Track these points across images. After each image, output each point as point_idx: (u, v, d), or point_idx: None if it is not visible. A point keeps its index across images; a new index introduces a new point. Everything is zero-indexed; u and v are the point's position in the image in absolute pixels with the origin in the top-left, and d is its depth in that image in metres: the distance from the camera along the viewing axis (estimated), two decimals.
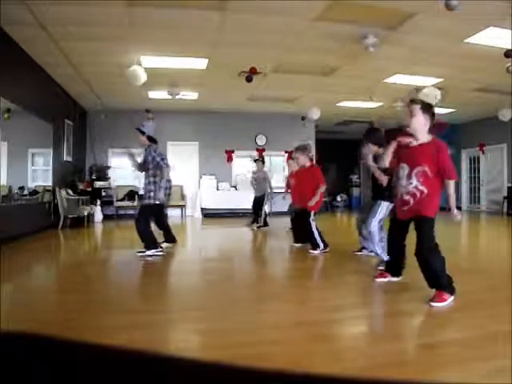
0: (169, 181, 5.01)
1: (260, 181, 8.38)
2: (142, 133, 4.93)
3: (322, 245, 5.10)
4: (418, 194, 2.89)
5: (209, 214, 11.29)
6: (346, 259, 4.68)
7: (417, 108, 2.89)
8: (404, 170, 2.97)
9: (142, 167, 4.95)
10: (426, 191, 2.86)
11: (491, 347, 2.03)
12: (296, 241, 5.79)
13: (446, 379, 1.71)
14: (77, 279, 3.80)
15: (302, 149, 5.50)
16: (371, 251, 4.43)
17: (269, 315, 2.64)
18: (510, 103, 9.41)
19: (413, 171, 2.90)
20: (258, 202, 8.43)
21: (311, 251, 5.12)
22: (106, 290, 3.43)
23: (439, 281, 2.81)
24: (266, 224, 8.37)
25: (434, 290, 2.84)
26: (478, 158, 13.02)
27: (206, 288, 3.57)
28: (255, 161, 8.69)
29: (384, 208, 4.00)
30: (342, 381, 0.35)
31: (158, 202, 4.83)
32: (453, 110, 10.62)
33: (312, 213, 5.23)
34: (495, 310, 2.62)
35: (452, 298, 2.79)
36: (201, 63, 7.25)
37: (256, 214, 8.49)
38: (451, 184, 2.88)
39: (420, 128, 2.89)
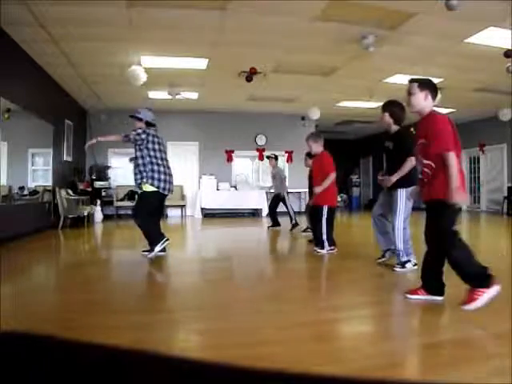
0: (157, 164, 4.42)
1: (273, 178, 8.11)
2: (139, 119, 4.52)
3: (327, 245, 4.91)
4: (428, 170, 2.70)
5: (209, 214, 11.29)
6: (347, 259, 4.68)
7: (414, 86, 2.78)
8: (415, 151, 2.88)
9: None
10: (433, 165, 2.67)
11: (491, 347, 2.03)
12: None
13: (446, 379, 1.71)
14: (77, 279, 3.79)
15: (313, 136, 5.25)
16: (392, 251, 4.08)
17: (269, 315, 2.64)
18: (510, 103, 9.41)
19: (417, 147, 2.82)
20: (275, 201, 8.10)
21: (318, 250, 4.97)
22: (107, 290, 3.43)
23: (464, 272, 2.56)
24: (277, 224, 8.02)
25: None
26: (478, 158, 13.02)
27: (206, 288, 3.57)
28: (267, 157, 8.39)
29: (403, 196, 3.74)
30: (342, 381, 0.35)
31: (150, 187, 4.35)
32: (453, 110, 10.62)
33: (325, 209, 4.92)
34: (495, 310, 2.62)
35: (491, 291, 2.46)
36: (201, 63, 7.25)
37: (272, 214, 8.13)
38: (449, 158, 2.57)
39: (420, 105, 2.77)
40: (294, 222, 7.79)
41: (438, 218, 2.68)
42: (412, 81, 2.85)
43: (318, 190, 4.95)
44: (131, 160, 4.68)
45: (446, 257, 2.64)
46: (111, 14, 5.13)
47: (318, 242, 5.06)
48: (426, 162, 2.72)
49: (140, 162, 4.42)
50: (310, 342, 2.18)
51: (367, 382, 0.36)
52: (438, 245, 2.69)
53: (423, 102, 2.77)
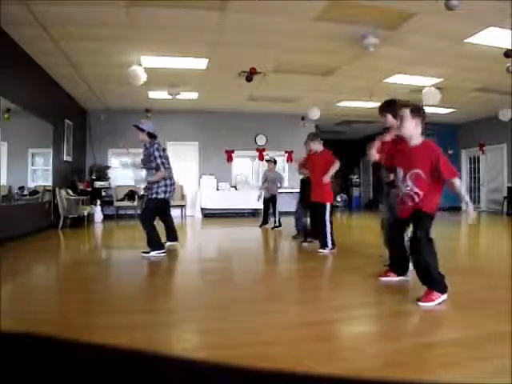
0: (169, 178, 4.85)
1: (271, 182, 8.23)
2: (142, 130, 4.82)
3: (330, 245, 5.02)
4: (416, 197, 2.89)
5: (209, 214, 11.29)
6: (347, 259, 4.68)
7: (406, 112, 2.90)
8: (399, 173, 3.01)
9: (144, 164, 4.89)
10: (421, 194, 2.85)
11: (491, 347, 2.03)
12: (304, 240, 5.74)
13: (446, 379, 1.71)
14: (77, 279, 3.80)
15: (312, 136, 5.44)
16: None
17: (269, 315, 2.64)
18: (510, 103, 9.41)
19: (407, 174, 2.92)
20: (268, 203, 8.35)
21: (320, 250, 5.03)
22: (106, 290, 3.43)
23: (430, 276, 2.80)
24: (279, 224, 8.16)
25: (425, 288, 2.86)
26: (478, 158, 13.02)
27: (206, 288, 3.57)
28: (267, 161, 8.51)
29: None
30: (342, 381, 0.35)
31: (160, 197, 4.74)
32: (453, 110, 10.62)
33: (328, 206, 5.06)
34: (495, 310, 2.62)
35: (443, 297, 2.77)
36: (201, 63, 7.25)
37: (266, 214, 8.41)
38: (457, 182, 2.81)
39: (411, 132, 2.90)
40: (277, 224, 8.10)
41: (422, 226, 2.85)
42: (403, 105, 3.00)
43: (326, 179, 5.03)
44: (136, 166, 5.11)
45: (420, 261, 2.85)
46: (111, 13, 5.13)
47: (321, 241, 5.12)
48: (416, 190, 2.87)
49: (151, 173, 4.78)
50: (310, 341, 2.18)
51: (367, 382, 0.36)
52: (416, 250, 2.87)
53: (413, 129, 2.90)
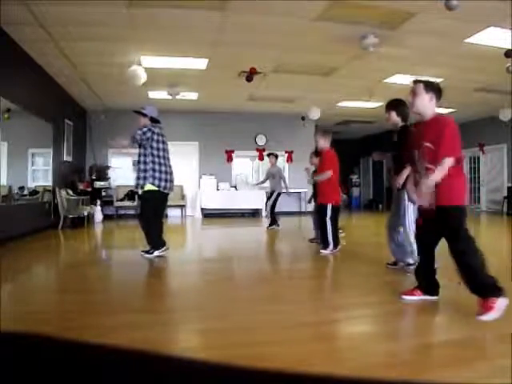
0: (159, 163, 4.33)
1: (271, 177, 8.04)
2: (144, 115, 4.44)
3: (332, 245, 4.87)
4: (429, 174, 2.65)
5: (209, 214, 11.29)
6: (347, 259, 4.68)
7: (420, 87, 2.74)
8: (416, 155, 2.80)
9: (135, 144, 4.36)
10: (435, 169, 2.61)
11: (491, 347, 2.03)
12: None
13: (446, 379, 1.71)
14: (77, 279, 3.79)
15: (323, 131, 5.21)
16: (408, 264, 3.79)
17: (269, 315, 2.64)
18: (510, 103, 9.40)
19: (420, 150, 2.74)
20: (274, 200, 8.04)
21: (322, 251, 4.93)
22: (106, 290, 3.43)
23: (481, 283, 2.43)
24: (275, 223, 8.00)
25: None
26: (478, 158, 13.02)
27: (206, 288, 3.57)
28: (268, 155, 8.32)
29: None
30: (342, 381, 0.35)
31: (153, 188, 4.24)
32: (453, 110, 10.61)
33: (329, 207, 4.87)
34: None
35: (502, 300, 2.36)
36: (201, 63, 7.25)
37: (272, 213, 8.12)
38: (444, 163, 2.53)
39: (424, 107, 2.74)
40: (276, 223, 7.86)
41: (457, 221, 2.61)
42: (418, 81, 2.82)
43: (317, 179, 5.05)
44: (135, 164, 4.53)
45: (463, 265, 2.52)
46: (111, 14, 5.13)
47: (323, 241, 4.99)
48: (428, 165, 2.67)
49: (142, 159, 4.35)
50: (310, 341, 2.18)
51: (367, 382, 0.36)
52: (455, 253, 2.56)
53: (427, 104, 2.74)
